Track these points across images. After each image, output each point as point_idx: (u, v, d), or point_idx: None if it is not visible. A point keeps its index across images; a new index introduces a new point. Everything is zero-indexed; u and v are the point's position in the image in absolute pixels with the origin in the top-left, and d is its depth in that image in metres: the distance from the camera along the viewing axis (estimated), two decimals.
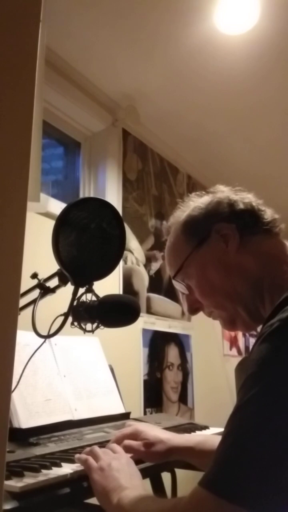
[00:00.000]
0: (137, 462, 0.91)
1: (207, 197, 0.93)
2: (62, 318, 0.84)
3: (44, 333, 0.85)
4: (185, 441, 0.99)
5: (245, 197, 0.90)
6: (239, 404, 0.61)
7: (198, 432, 1.29)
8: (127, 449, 0.93)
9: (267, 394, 0.58)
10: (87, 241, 0.86)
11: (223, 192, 0.92)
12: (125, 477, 0.81)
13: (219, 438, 1.01)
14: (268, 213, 0.89)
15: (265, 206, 0.90)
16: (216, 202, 0.90)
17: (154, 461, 0.98)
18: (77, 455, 0.89)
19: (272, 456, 0.55)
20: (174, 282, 0.94)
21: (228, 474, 0.57)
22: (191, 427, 1.33)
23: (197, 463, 0.99)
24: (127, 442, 0.95)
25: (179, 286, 0.93)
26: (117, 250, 0.91)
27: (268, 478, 0.55)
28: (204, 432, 1.31)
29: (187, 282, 0.91)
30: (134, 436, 0.98)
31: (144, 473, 0.99)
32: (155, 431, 1.00)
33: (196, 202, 0.93)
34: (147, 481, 1.22)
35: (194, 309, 0.93)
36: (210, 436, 1.14)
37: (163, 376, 2.41)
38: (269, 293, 0.82)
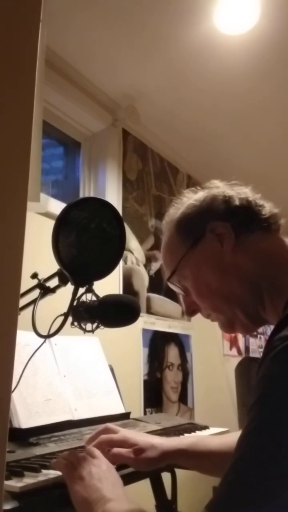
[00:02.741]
0: (118, 467, 0.87)
1: (202, 193, 0.88)
2: (62, 318, 0.84)
3: (44, 333, 0.85)
4: (177, 443, 0.94)
5: (241, 192, 0.85)
6: (250, 427, 0.58)
7: (198, 432, 1.29)
8: (116, 457, 0.87)
9: (279, 417, 0.56)
10: (87, 241, 0.86)
11: (218, 187, 0.88)
12: (108, 487, 0.75)
13: (210, 438, 0.99)
14: (267, 208, 0.84)
15: (264, 200, 0.85)
16: (211, 199, 0.85)
17: (146, 468, 0.91)
18: (53, 461, 0.84)
19: (282, 483, 0.54)
20: (169, 283, 0.90)
21: (236, 501, 0.55)
22: (191, 427, 1.33)
23: (191, 465, 0.96)
24: (116, 450, 0.88)
25: (175, 287, 0.90)
26: (117, 250, 0.91)
27: (278, 506, 0.53)
28: (204, 432, 1.31)
29: (183, 283, 0.88)
30: (122, 443, 0.91)
31: (144, 473, 0.99)
32: (144, 436, 0.94)
33: (190, 199, 0.88)
34: (147, 481, 1.22)
35: (191, 311, 0.90)
36: (202, 437, 1.11)
37: (163, 376, 2.40)
38: (268, 294, 0.78)
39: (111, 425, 0.96)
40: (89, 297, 0.89)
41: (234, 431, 1.03)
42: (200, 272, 0.84)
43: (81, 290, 0.88)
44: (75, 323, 0.89)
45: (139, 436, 0.93)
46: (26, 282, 0.78)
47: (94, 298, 0.89)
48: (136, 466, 0.90)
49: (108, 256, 0.89)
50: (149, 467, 0.91)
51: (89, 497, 0.73)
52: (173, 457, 0.93)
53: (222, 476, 0.58)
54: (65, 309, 0.85)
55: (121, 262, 2.10)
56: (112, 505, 0.71)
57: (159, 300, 2.47)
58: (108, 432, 0.93)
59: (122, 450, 0.89)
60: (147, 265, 2.44)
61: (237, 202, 0.84)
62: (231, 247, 0.81)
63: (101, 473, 0.79)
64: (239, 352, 3.27)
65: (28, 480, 0.77)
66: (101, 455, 0.85)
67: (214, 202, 0.85)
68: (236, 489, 0.56)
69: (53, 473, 0.82)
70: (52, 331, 0.84)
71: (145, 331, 2.30)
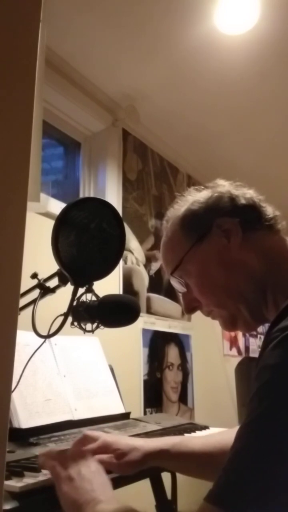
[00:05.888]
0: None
1: (207, 192, 0.89)
2: (62, 318, 0.84)
3: (44, 333, 0.85)
4: (161, 444, 0.91)
5: (246, 193, 0.87)
6: (251, 417, 0.58)
7: (198, 432, 1.29)
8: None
9: (281, 407, 0.56)
10: (87, 241, 0.86)
11: (224, 186, 0.89)
12: (98, 488, 0.74)
13: (194, 439, 0.97)
14: (270, 210, 0.86)
15: (266, 203, 0.87)
16: (217, 197, 0.86)
17: (129, 472, 0.87)
18: (41, 461, 0.82)
19: (284, 473, 0.53)
20: (171, 279, 0.90)
21: (237, 491, 0.55)
22: (191, 427, 1.33)
23: (174, 466, 0.94)
24: (97, 456, 0.85)
25: (176, 284, 0.90)
26: (117, 250, 0.91)
27: (279, 496, 0.53)
28: (204, 432, 1.31)
29: (185, 279, 0.87)
30: (104, 449, 0.87)
31: (144, 473, 0.98)
32: (126, 439, 0.91)
33: (195, 197, 0.89)
34: (147, 481, 1.22)
35: (191, 308, 0.89)
36: (185, 437, 1.08)
37: (163, 376, 2.41)
38: (272, 292, 0.79)
39: (90, 432, 0.92)
40: (89, 297, 0.89)
41: None
42: (205, 267, 0.84)
43: (81, 290, 0.88)
44: (75, 323, 0.89)
45: (121, 439, 0.91)
46: (26, 282, 0.78)
47: (94, 298, 0.89)
48: (118, 471, 0.87)
49: (108, 256, 0.89)
50: (132, 470, 0.88)
51: (79, 499, 0.72)
52: (156, 458, 0.90)
53: (222, 466, 0.58)
54: (65, 309, 0.85)
55: (121, 262, 2.10)
56: (103, 506, 0.69)
57: (159, 300, 2.47)
58: (86, 442, 0.89)
59: (104, 456, 0.86)
60: (147, 265, 2.44)
61: (243, 201, 0.85)
62: (238, 243, 0.82)
63: (90, 474, 0.77)
64: (239, 352, 3.27)
65: (28, 480, 0.77)
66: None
67: (221, 200, 0.86)
68: (237, 479, 0.55)
69: None
70: (52, 331, 0.84)
71: (145, 331, 2.30)
